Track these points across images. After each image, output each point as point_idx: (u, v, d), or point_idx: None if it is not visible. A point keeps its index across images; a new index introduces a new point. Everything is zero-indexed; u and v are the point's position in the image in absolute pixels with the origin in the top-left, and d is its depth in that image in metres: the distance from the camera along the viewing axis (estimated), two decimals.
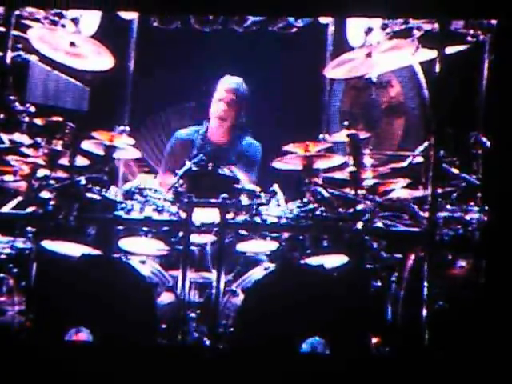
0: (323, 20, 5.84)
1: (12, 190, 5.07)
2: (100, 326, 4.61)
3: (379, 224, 4.89)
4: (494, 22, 5.08)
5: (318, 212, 4.86)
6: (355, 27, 5.50)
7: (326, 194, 4.92)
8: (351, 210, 4.84)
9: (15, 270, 4.93)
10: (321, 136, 5.67)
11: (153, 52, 6.09)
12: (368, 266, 4.87)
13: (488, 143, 5.04)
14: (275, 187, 5.01)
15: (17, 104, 5.20)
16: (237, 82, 5.65)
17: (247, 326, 4.62)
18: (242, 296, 4.74)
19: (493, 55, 5.12)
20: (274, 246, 4.95)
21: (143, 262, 4.93)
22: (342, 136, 5.09)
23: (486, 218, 4.79)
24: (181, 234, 4.86)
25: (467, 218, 4.88)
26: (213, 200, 4.81)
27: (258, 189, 4.99)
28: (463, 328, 4.68)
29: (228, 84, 5.63)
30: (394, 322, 4.87)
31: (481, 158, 5.09)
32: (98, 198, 4.90)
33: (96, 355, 4.27)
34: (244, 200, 4.90)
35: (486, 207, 4.80)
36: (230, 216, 4.83)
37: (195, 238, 4.84)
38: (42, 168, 4.99)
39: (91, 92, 5.76)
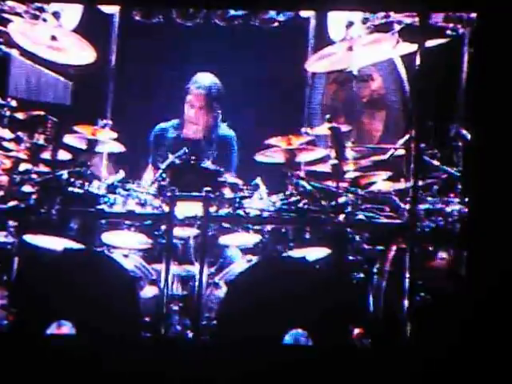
0: (304, 14, 5.87)
1: None
2: (83, 320, 4.61)
3: (361, 216, 4.92)
4: (473, 15, 5.14)
5: (300, 205, 4.89)
6: (336, 21, 5.53)
7: (309, 187, 4.95)
8: (333, 203, 4.87)
9: None
10: (303, 129, 5.69)
11: (135, 46, 6.09)
12: (350, 258, 4.90)
13: (468, 136, 5.09)
14: (258, 180, 5.03)
15: None
16: (206, 84, 5.53)
17: (230, 318, 4.64)
18: (224, 289, 4.75)
19: (472, 48, 5.17)
20: (256, 238, 4.97)
21: (126, 256, 4.93)
22: (323, 129, 5.12)
23: (466, 210, 4.84)
24: (164, 227, 4.87)
25: (448, 209, 4.93)
26: (196, 193, 4.82)
27: (240, 182, 5.01)
28: (444, 319, 4.72)
29: (197, 88, 5.52)
30: (375, 313, 4.91)
31: (461, 150, 5.14)
32: (81, 191, 4.89)
33: (79, 349, 4.27)
34: (227, 193, 4.92)
35: (467, 199, 4.85)
36: (212, 209, 4.84)
37: (178, 232, 4.85)
38: (23, 162, 4.98)
39: (73, 86, 5.74)
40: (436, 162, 5.09)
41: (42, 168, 5.01)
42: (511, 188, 4.31)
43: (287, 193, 4.97)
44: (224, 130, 5.70)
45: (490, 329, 4.26)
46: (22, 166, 4.98)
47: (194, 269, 4.83)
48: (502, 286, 4.25)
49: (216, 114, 5.60)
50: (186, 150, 4.97)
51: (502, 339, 4.21)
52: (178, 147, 5.18)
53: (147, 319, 4.68)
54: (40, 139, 4.98)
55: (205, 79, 5.58)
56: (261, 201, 4.93)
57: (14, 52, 5.52)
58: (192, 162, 4.92)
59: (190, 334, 4.72)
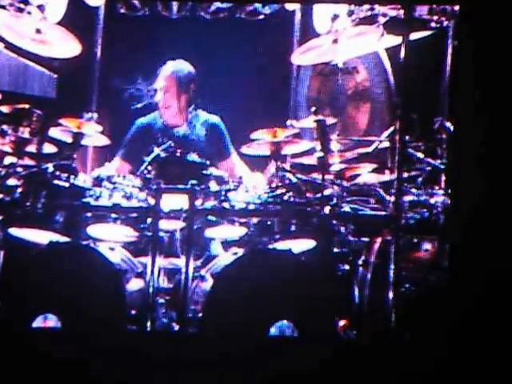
0: (290, 7, 5.87)
1: None
2: (69, 313, 4.61)
3: (346, 208, 4.94)
4: (457, 8, 5.16)
5: (286, 197, 4.90)
6: (321, 14, 5.54)
7: (294, 180, 4.96)
8: (319, 195, 4.88)
9: None
10: (288, 122, 5.71)
11: (120, 39, 6.08)
12: (335, 249, 4.92)
13: (452, 128, 5.12)
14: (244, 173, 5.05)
15: None
16: (175, 67, 5.55)
17: (216, 311, 4.66)
18: (210, 281, 4.77)
19: (456, 41, 5.19)
20: (242, 231, 4.98)
21: (112, 249, 4.93)
22: (309, 122, 5.13)
23: (449, 202, 4.87)
24: (149, 220, 4.88)
25: (432, 201, 4.96)
26: (181, 186, 4.83)
27: (226, 174, 5.02)
28: (429, 310, 4.75)
29: (165, 71, 5.55)
30: (361, 305, 4.93)
31: (445, 142, 5.17)
32: (66, 185, 4.89)
33: (64, 342, 4.27)
34: (213, 186, 4.92)
35: (450, 191, 4.88)
36: (198, 202, 4.85)
37: (164, 225, 4.85)
38: (8, 155, 4.97)
39: (58, 79, 5.73)
40: (420, 155, 5.12)
41: (27, 161, 4.99)
42: (494, 180, 4.34)
43: (273, 185, 4.98)
44: (207, 116, 5.69)
45: (474, 318, 4.29)
46: (7, 160, 4.97)
47: (180, 262, 4.84)
48: (486, 278, 4.28)
49: (188, 97, 5.57)
50: (172, 143, 4.98)
51: (487, 330, 4.24)
52: (164, 136, 5.19)
53: (133, 312, 4.69)
54: (25, 132, 4.97)
55: (173, 63, 5.59)
56: (246, 193, 4.94)
57: None
58: (178, 154, 4.93)
59: (176, 327, 4.73)
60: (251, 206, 4.91)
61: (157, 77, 5.58)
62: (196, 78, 5.59)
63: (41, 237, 4.89)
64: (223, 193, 4.90)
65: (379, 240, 4.98)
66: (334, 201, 4.87)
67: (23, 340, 4.27)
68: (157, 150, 4.94)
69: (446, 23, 5.31)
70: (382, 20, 5.33)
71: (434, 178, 5.11)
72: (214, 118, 5.67)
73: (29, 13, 5.40)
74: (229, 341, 4.37)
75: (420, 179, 5.09)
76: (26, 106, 4.99)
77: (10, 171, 4.89)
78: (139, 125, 5.69)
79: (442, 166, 5.10)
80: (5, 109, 5.01)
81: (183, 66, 5.58)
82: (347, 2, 5.30)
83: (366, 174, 5.18)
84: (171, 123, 5.65)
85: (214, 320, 4.64)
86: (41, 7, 5.42)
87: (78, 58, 5.47)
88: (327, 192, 4.90)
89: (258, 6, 5.80)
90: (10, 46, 5.50)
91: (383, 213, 4.92)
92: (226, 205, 4.89)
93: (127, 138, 5.67)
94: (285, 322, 4.62)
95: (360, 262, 5.00)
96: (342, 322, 4.83)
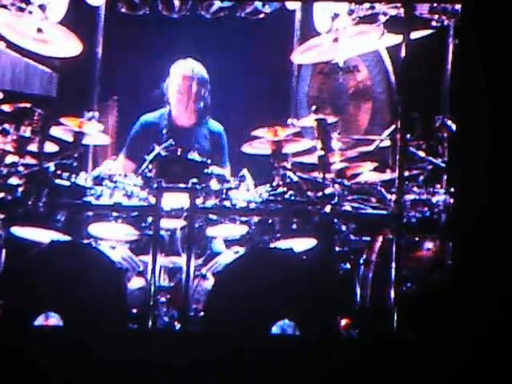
0: (290, 6, 5.88)
1: None
2: (70, 312, 4.61)
3: (347, 207, 4.94)
4: (458, 7, 5.17)
5: (287, 196, 4.90)
6: (322, 13, 5.55)
7: (295, 178, 4.96)
8: (320, 194, 4.88)
9: None
10: (289, 121, 5.72)
11: (120, 38, 6.09)
12: (337, 248, 4.92)
13: (453, 126, 5.12)
14: (244, 172, 5.04)
15: None
16: (189, 68, 5.55)
17: (217, 309, 4.66)
18: (212, 280, 4.77)
19: (457, 40, 5.20)
20: (243, 230, 4.98)
21: (113, 248, 4.94)
22: (310, 121, 5.13)
23: (451, 200, 4.87)
24: (150, 219, 4.88)
25: (433, 200, 4.96)
26: (182, 185, 4.83)
27: (227, 174, 5.02)
28: (431, 309, 4.76)
29: (180, 71, 5.55)
30: (362, 303, 4.93)
31: (446, 141, 5.17)
32: (68, 183, 4.90)
33: (66, 341, 4.27)
34: (213, 185, 4.92)
35: (452, 189, 4.88)
36: (199, 201, 4.85)
37: (165, 223, 4.86)
38: (10, 154, 4.98)
39: (59, 78, 5.73)
40: (421, 153, 5.12)
41: (29, 160, 5.00)
42: (496, 178, 4.34)
43: (274, 184, 4.98)
44: (212, 124, 5.70)
45: (476, 316, 4.29)
46: (9, 159, 4.97)
47: (181, 260, 4.84)
48: (488, 276, 4.28)
49: (199, 99, 5.58)
50: (172, 142, 4.98)
51: (489, 328, 4.24)
52: (169, 135, 5.19)
53: (134, 311, 4.69)
54: (26, 131, 4.97)
55: (187, 64, 5.58)
56: (247, 192, 4.94)
57: (0, 45, 5.51)
58: (178, 153, 4.93)
59: (178, 326, 4.73)
60: (252, 205, 4.91)
61: (168, 75, 5.57)
62: (209, 82, 5.59)
63: (42, 236, 4.89)
64: (224, 191, 4.90)
65: (381, 239, 4.98)
66: (335, 199, 4.87)
67: (25, 338, 4.27)
68: (157, 149, 4.94)
69: (446, 22, 5.32)
70: (382, 19, 5.33)
71: (435, 176, 5.11)
72: (219, 128, 5.67)
73: (30, 12, 5.41)
74: (230, 340, 4.37)
75: (421, 178, 5.09)
76: (28, 105, 4.99)
77: (12, 170, 4.89)
78: (144, 122, 5.69)
79: (444, 165, 5.10)
80: (6, 108, 5.01)
81: (199, 69, 5.58)
82: (348, 1, 5.30)
83: (367, 173, 5.18)
84: (179, 123, 5.65)
85: (216, 319, 4.64)
86: (42, 7, 5.42)
87: (79, 57, 5.47)
88: (328, 191, 4.90)
89: (258, 5, 5.80)
90: (12, 46, 5.51)
91: (384, 211, 4.92)
92: (227, 203, 4.89)
93: (131, 136, 5.67)
94: (286, 321, 4.61)
95: (361, 261, 5.00)
96: (343, 321, 4.83)
